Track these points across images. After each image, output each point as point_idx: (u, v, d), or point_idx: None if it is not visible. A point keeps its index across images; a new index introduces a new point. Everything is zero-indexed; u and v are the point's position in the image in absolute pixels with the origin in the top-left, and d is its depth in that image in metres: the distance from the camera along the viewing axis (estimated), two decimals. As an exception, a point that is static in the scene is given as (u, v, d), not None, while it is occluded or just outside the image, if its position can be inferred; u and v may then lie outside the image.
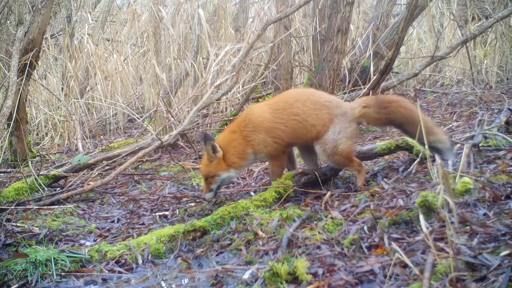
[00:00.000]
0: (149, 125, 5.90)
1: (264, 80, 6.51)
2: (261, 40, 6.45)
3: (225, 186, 3.49)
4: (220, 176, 3.21)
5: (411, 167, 3.19)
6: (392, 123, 3.23)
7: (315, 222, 2.65)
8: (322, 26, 5.39)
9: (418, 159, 3.23)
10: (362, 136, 4.95)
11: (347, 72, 6.30)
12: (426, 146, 2.41)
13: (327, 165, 3.35)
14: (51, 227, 3.10)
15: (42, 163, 4.70)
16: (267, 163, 4.17)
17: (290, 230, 2.48)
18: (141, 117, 6.33)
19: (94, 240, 2.98)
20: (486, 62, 7.20)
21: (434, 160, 2.84)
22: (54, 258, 2.45)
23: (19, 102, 4.48)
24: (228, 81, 5.17)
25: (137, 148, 4.59)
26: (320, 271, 2.02)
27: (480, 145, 3.30)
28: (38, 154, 5.15)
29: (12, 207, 3.41)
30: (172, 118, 5.40)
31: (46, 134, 6.52)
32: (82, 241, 2.93)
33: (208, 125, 5.51)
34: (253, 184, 3.80)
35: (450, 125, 4.42)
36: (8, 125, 4.49)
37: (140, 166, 4.78)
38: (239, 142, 3.17)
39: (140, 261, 2.52)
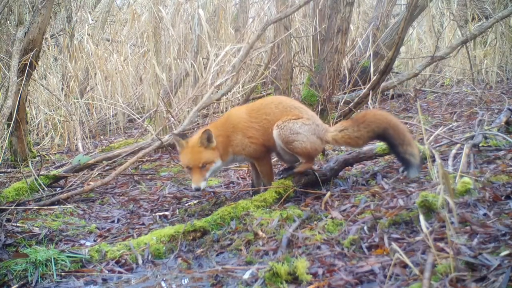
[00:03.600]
0: (149, 125, 5.90)
1: (264, 80, 6.50)
2: (261, 40, 6.45)
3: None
4: (216, 163, 3.16)
5: (411, 167, 3.18)
6: (376, 134, 3.12)
7: (315, 222, 2.65)
8: (322, 26, 5.39)
9: (418, 159, 3.22)
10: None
11: (347, 72, 6.30)
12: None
13: (327, 165, 3.35)
14: (51, 227, 3.10)
15: (42, 163, 4.70)
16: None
17: (290, 230, 2.48)
18: (141, 117, 6.32)
19: (94, 240, 2.98)
20: (486, 62, 7.20)
21: (434, 160, 2.84)
22: (54, 258, 2.45)
23: (19, 102, 4.48)
24: (228, 81, 5.17)
25: (137, 148, 4.59)
26: (320, 271, 2.02)
27: (480, 145, 3.30)
28: (38, 154, 5.15)
29: (12, 207, 3.41)
30: (172, 118, 5.40)
31: (46, 134, 6.52)
32: (82, 241, 2.93)
33: (208, 125, 5.50)
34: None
35: (450, 125, 4.42)
36: (8, 125, 4.49)
37: (140, 166, 4.78)
38: (223, 140, 3.19)
39: (140, 261, 2.52)
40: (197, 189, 3.14)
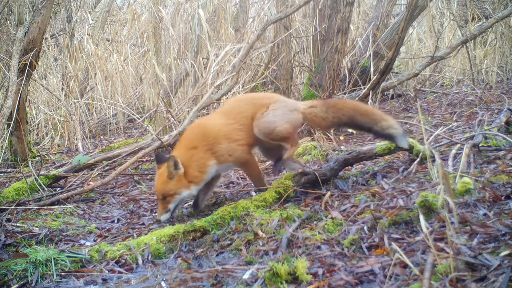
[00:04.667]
0: (149, 125, 5.89)
1: (264, 80, 6.50)
2: (261, 40, 6.44)
3: (181, 206, 3.28)
4: (180, 194, 3.05)
5: (411, 167, 3.19)
6: (342, 121, 3.28)
7: (315, 222, 2.65)
8: (322, 26, 5.39)
9: (418, 159, 3.23)
10: (362, 136, 4.95)
11: (347, 72, 6.30)
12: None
13: (327, 165, 3.35)
14: (51, 227, 3.10)
15: (42, 163, 4.70)
16: (268, 163, 4.18)
17: (290, 230, 2.48)
18: (141, 117, 6.32)
19: (94, 240, 2.98)
20: (486, 62, 7.19)
21: (434, 160, 2.84)
22: (54, 258, 2.45)
23: (19, 102, 4.48)
24: (228, 81, 5.17)
25: (137, 148, 4.59)
26: (320, 271, 2.02)
27: (480, 145, 3.30)
28: (38, 154, 5.14)
29: (12, 207, 3.41)
30: (172, 118, 5.40)
31: (46, 134, 6.51)
32: (82, 241, 2.93)
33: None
34: (253, 184, 3.79)
35: (450, 125, 4.42)
36: (8, 125, 4.49)
37: (140, 166, 4.78)
38: (201, 156, 3.09)
39: (140, 261, 2.52)
40: (157, 221, 3.11)
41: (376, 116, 3.16)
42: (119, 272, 2.43)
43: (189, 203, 3.43)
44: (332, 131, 4.80)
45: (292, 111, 3.24)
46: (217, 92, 5.18)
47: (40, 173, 3.96)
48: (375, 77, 5.05)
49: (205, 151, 3.11)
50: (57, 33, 8.17)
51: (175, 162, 3.00)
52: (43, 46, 5.93)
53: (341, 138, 4.92)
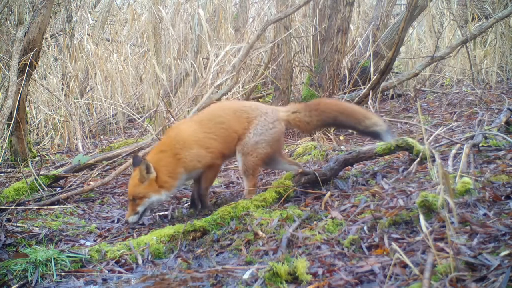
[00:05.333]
0: (149, 125, 5.89)
1: (264, 80, 6.50)
2: (261, 40, 6.44)
3: (150, 210, 3.24)
4: (150, 198, 3.03)
5: (411, 167, 3.19)
6: (326, 123, 3.32)
7: (315, 222, 2.65)
8: (322, 26, 5.39)
9: (418, 159, 3.23)
10: (362, 137, 4.95)
11: (347, 72, 6.29)
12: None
13: (327, 165, 3.35)
14: (51, 227, 3.10)
15: (42, 163, 4.70)
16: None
17: (290, 230, 2.48)
18: (141, 117, 6.32)
19: (94, 240, 2.98)
20: (486, 62, 7.19)
21: (434, 160, 2.84)
22: (54, 258, 2.45)
23: (19, 102, 4.48)
24: (228, 81, 5.17)
25: (137, 148, 4.59)
26: (320, 271, 2.02)
27: (480, 145, 3.30)
28: (38, 154, 5.15)
29: (12, 207, 3.41)
30: (172, 118, 5.39)
31: (46, 134, 6.51)
32: (82, 241, 2.93)
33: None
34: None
35: (450, 125, 4.41)
36: (8, 125, 4.49)
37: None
38: (170, 161, 3.06)
39: (140, 261, 2.52)
40: (125, 222, 3.12)
41: (359, 115, 3.16)
42: (119, 272, 2.43)
43: (189, 203, 3.44)
44: (332, 130, 4.80)
45: (273, 123, 3.18)
46: (217, 92, 5.18)
47: (40, 173, 3.96)
48: (375, 77, 5.05)
49: (173, 155, 3.07)
50: (57, 33, 8.17)
51: (147, 166, 2.99)
52: (43, 46, 5.93)
53: (341, 138, 4.92)
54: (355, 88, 5.93)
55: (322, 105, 3.28)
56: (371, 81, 5.02)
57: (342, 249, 2.22)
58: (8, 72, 4.62)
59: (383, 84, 5.47)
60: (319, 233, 2.44)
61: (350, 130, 3.32)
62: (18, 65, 4.43)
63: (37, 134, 6.58)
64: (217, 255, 2.51)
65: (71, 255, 2.53)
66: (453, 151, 3.19)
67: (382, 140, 3.18)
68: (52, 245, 2.79)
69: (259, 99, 6.52)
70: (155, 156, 3.12)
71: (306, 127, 3.30)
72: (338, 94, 5.61)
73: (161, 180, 3.05)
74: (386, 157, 3.57)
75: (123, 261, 2.53)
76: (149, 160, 3.04)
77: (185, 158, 3.08)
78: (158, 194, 3.06)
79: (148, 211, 3.18)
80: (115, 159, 4.52)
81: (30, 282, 2.34)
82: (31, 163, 4.47)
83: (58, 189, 4.03)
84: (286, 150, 4.54)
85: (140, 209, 3.05)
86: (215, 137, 3.15)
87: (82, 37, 7.63)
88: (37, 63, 4.69)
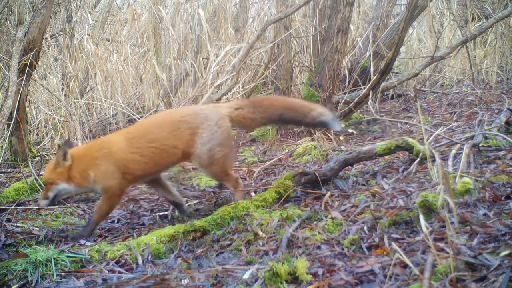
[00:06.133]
0: (149, 125, 5.88)
1: (264, 80, 6.50)
2: (261, 40, 6.44)
3: (62, 198, 3.19)
4: (58, 185, 2.97)
5: (411, 167, 3.19)
6: (271, 120, 3.25)
7: (315, 222, 2.65)
8: (322, 26, 5.39)
9: (418, 159, 3.23)
10: (362, 137, 4.95)
11: (347, 72, 6.30)
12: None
13: (327, 165, 3.35)
14: (51, 227, 3.10)
15: (42, 163, 4.69)
16: (267, 163, 4.17)
17: (290, 230, 2.48)
18: (141, 117, 6.32)
19: (94, 240, 2.98)
20: (486, 62, 7.19)
21: (434, 160, 2.84)
22: (54, 258, 2.45)
23: (19, 102, 4.47)
24: (228, 81, 5.17)
25: (137, 148, 4.58)
26: (320, 271, 2.02)
27: (480, 145, 3.30)
28: (38, 154, 5.14)
29: (12, 207, 3.41)
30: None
31: (46, 134, 6.51)
32: (82, 241, 2.93)
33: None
34: (253, 184, 3.80)
35: (450, 125, 4.41)
36: (8, 125, 4.49)
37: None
38: (87, 160, 2.99)
39: (140, 261, 2.52)
40: (37, 204, 3.09)
41: (305, 108, 3.17)
42: (119, 272, 2.43)
43: (195, 202, 3.43)
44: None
45: (217, 125, 3.05)
46: (217, 92, 5.18)
47: (40, 173, 3.96)
48: (375, 77, 5.05)
49: (92, 158, 3.00)
50: (57, 33, 8.16)
51: (64, 152, 2.94)
52: (43, 46, 5.93)
53: (341, 138, 4.92)
54: (355, 88, 5.93)
55: (266, 102, 3.24)
56: (371, 81, 5.02)
57: (342, 249, 2.22)
58: (8, 72, 4.62)
59: (383, 84, 5.47)
60: (319, 233, 2.44)
61: (297, 126, 3.31)
62: (18, 65, 4.43)
63: (37, 134, 6.58)
64: (217, 255, 2.51)
65: (71, 255, 2.53)
66: (453, 151, 3.19)
67: (330, 128, 3.21)
68: (52, 245, 2.79)
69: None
70: (82, 149, 3.11)
71: (251, 124, 3.25)
72: (338, 94, 5.61)
73: (73, 172, 2.97)
74: (386, 157, 3.57)
75: (123, 261, 2.53)
76: (74, 151, 3.01)
77: (99, 168, 2.98)
78: (67, 183, 2.98)
79: (59, 198, 3.11)
80: (115, 159, 4.51)
81: (30, 282, 2.34)
82: (31, 163, 4.47)
83: (58, 189, 4.03)
84: (286, 150, 4.54)
85: (50, 194, 3.00)
86: (140, 159, 2.98)
87: (82, 37, 7.63)
88: (37, 63, 4.69)
